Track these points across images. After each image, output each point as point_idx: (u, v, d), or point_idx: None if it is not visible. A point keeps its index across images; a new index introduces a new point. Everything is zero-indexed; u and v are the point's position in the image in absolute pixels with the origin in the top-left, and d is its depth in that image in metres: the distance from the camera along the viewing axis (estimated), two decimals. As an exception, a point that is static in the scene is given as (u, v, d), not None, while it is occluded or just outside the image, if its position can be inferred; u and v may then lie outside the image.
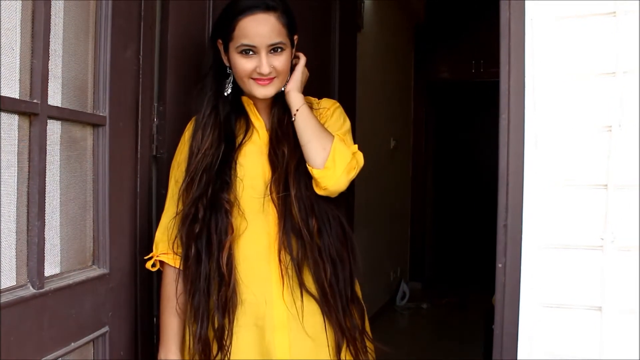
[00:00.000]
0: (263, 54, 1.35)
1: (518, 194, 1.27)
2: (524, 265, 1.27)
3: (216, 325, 1.35)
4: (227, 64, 1.42)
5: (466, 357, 3.77)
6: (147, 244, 1.56)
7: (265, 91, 1.39)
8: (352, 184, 1.45)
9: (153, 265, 1.45)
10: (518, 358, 1.27)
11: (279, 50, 1.37)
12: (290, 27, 1.39)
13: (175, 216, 1.40)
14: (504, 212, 1.29)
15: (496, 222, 1.30)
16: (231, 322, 1.35)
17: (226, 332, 1.35)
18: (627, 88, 1.21)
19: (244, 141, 1.43)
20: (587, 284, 1.23)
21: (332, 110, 1.49)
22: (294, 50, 1.44)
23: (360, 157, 1.42)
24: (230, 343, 1.35)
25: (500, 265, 1.29)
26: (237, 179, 1.39)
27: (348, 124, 1.50)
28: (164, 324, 1.42)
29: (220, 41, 1.42)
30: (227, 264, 1.35)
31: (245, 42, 1.34)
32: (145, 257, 1.46)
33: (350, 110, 1.63)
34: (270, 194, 1.38)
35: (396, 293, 5.39)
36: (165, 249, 1.43)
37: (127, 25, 1.45)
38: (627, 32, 1.21)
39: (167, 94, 1.60)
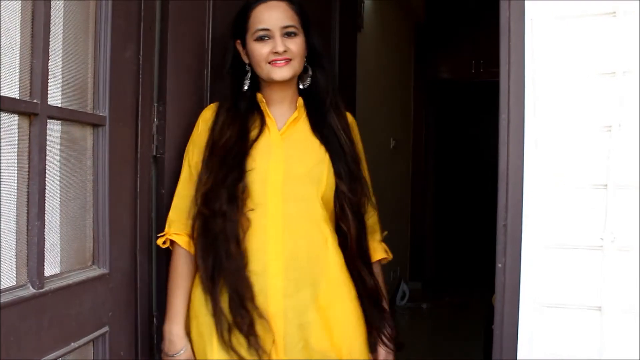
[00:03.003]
0: (277, 35, 1.45)
1: (518, 194, 1.27)
2: (524, 265, 1.27)
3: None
4: (247, 61, 1.51)
5: (466, 357, 3.76)
6: (147, 243, 1.56)
7: (282, 72, 1.46)
8: None
9: (164, 242, 1.51)
10: (518, 358, 1.27)
11: (293, 34, 1.46)
12: (302, 17, 1.49)
13: (196, 194, 1.46)
14: (503, 212, 1.29)
15: (496, 222, 1.30)
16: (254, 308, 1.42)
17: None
18: (627, 88, 1.21)
19: (258, 137, 1.50)
20: (587, 284, 1.23)
21: (356, 131, 1.63)
22: (307, 41, 1.50)
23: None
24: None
25: (500, 265, 1.29)
26: (250, 171, 1.45)
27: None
28: (173, 299, 1.50)
29: (238, 41, 1.52)
30: (242, 248, 1.43)
31: (260, 26, 1.45)
32: (158, 235, 1.53)
33: (350, 111, 1.64)
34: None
35: (396, 293, 5.38)
36: (178, 230, 1.50)
37: (127, 25, 1.45)
38: (627, 31, 1.20)
39: (167, 94, 1.60)
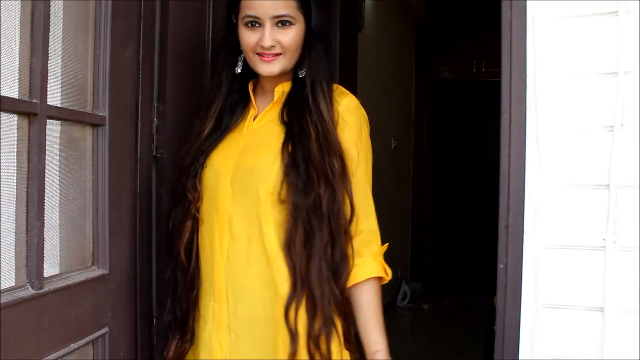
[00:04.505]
0: (267, 26, 1.28)
1: (519, 194, 1.27)
2: (526, 265, 1.26)
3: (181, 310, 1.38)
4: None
5: (467, 358, 3.76)
6: (147, 244, 1.56)
7: (268, 68, 1.31)
8: None
9: None
10: (519, 358, 1.27)
11: (287, 24, 1.28)
12: (304, 1, 1.31)
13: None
14: (505, 212, 1.29)
15: (497, 222, 1.30)
16: (194, 309, 1.37)
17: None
18: (629, 88, 1.20)
19: (231, 129, 1.39)
20: (588, 285, 1.23)
21: (351, 119, 1.39)
22: (306, 26, 1.33)
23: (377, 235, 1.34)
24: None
25: (501, 266, 1.29)
26: (206, 168, 1.35)
27: (370, 156, 1.40)
28: None
29: (233, 16, 1.35)
30: (186, 252, 1.36)
31: (249, 12, 1.28)
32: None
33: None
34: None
35: (397, 293, 5.38)
36: None
37: (127, 25, 1.45)
38: (629, 31, 1.20)
39: (167, 94, 1.60)
